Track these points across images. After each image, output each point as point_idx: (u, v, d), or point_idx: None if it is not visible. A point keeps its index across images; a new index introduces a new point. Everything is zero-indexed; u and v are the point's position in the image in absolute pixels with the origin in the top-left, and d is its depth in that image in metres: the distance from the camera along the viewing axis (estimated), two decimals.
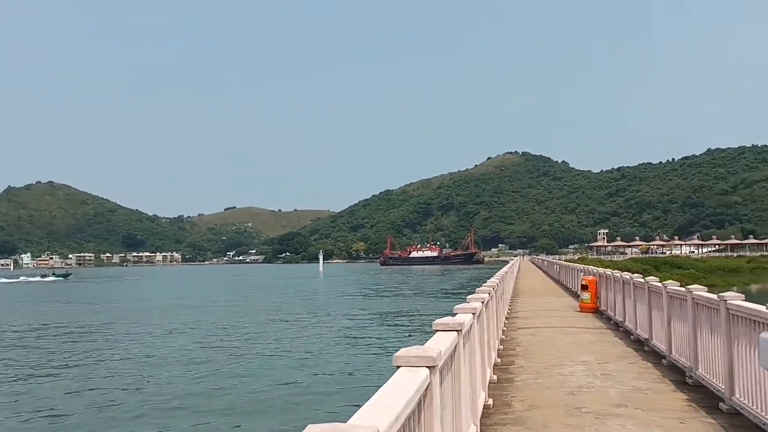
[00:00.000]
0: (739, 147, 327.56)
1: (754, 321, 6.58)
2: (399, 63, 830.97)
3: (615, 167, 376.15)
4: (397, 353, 3.31)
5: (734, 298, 7.28)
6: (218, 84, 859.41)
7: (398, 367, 3.23)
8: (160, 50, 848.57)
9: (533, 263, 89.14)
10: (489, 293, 10.19)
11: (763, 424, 6.37)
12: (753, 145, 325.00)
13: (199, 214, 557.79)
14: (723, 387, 7.57)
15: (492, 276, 16.18)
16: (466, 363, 6.06)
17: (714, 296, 7.90)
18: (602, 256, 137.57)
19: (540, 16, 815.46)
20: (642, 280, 12.94)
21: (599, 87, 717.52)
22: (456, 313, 6.56)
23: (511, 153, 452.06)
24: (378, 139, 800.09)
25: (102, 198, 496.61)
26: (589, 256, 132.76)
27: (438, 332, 4.97)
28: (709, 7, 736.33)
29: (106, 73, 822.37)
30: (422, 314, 41.36)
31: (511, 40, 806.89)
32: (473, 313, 6.77)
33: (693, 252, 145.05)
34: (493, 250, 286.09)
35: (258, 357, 26.27)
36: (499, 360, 11.32)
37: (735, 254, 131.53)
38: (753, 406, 6.70)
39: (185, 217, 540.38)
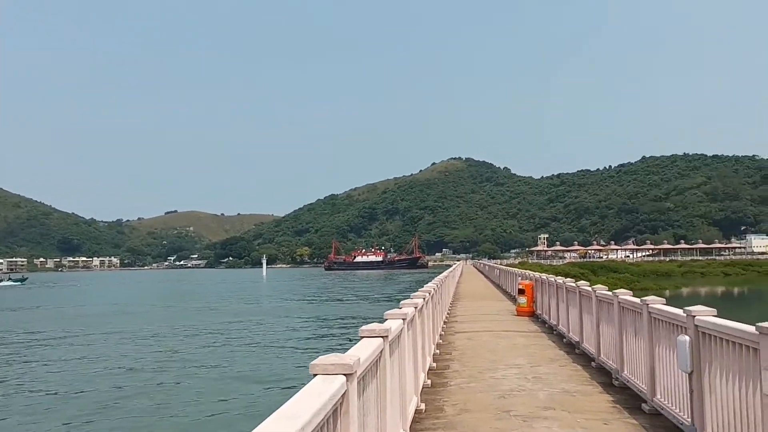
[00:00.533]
0: (672, 155, 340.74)
1: (673, 324, 6.80)
2: (345, 67, 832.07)
3: (555, 174, 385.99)
4: (314, 361, 3.27)
5: (655, 302, 7.52)
6: (158, 83, 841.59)
7: (315, 375, 3.19)
8: (99, 47, 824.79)
9: (476, 267, 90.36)
10: (424, 298, 10.25)
11: (681, 424, 6.59)
12: (684, 153, 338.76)
13: (139, 218, 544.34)
14: (645, 388, 7.81)
15: (434, 280, 16.34)
16: (394, 369, 6.06)
17: (638, 300, 8.14)
18: (542, 261, 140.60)
19: (486, 24, 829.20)
20: (573, 285, 13.24)
21: (538, 96, 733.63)
22: (386, 319, 6.57)
23: (455, 159, 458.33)
24: (324, 143, 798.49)
25: (36, 201, 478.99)
26: (530, 261, 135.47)
27: (364, 339, 4.95)
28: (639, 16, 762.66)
29: (36, 70, 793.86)
30: (362, 319, 41.34)
31: (456, 48, 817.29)
32: (403, 319, 6.79)
33: (628, 256, 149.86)
34: (437, 254, 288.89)
35: (182, 365, 25.70)
36: (434, 364, 11.39)
37: (667, 258, 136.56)
38: (672, 406, 6.93)
39: (124, 221, 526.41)
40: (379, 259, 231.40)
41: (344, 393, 3.23)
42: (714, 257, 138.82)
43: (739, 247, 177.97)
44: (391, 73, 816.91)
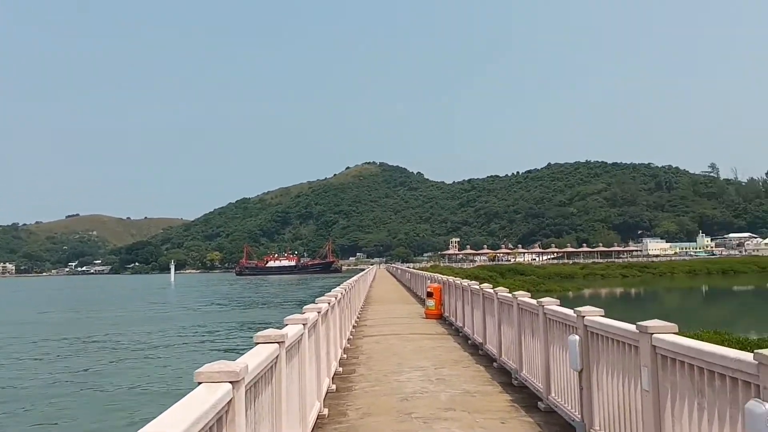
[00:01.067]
0: (575, 162, 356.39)
1: (566, 324, 7.07)
2: (256, 66, 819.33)
3: (466, 179, 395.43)
4: (200, 369, 3.17)
5: (550, 304, 7.80)
6: (57, 79, 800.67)
7: (200, 383, 3.10)
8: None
9: (388, 271, 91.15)
10: (329, 302, 10.21)
11: (572, 420, 6.85)
12: (587, 160, 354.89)
13: (37, 222, 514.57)
14: (541, 387, 8.08)
15: (343, 284, 16.33)
16: (293, 375, 5.99)
17: (534, 302, 8.41)
18: (454, 264, 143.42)
19: (400, 29, 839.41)
20: (478, 287, 13.55)
21: (450, 103, 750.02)
22: (286, 324, 6.48)
23: (369, 163, 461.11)
24: (235, 145, 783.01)
25: None
26: (442, 264, 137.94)
27: (259, 345, 4.86)
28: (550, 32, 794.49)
29: None
30: (269, 325, 40.68)
31: (371, 51, 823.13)
32: (304, 324, 6.72)
33: (534, 259, 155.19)
34: (351, 258, 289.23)
35: (65, 378, 24.53)
36: (341, 369, 11.36)
37: (571, 261, 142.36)
38: (564, 403, 7.20)
39: (20, 224, 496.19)
40: (292, 263, 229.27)
41: (230, 401, 3.14)
42: (613, 260, 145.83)
43: (636, 250, 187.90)
44: (306, 75, 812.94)
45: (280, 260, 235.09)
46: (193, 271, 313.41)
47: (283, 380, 5.10)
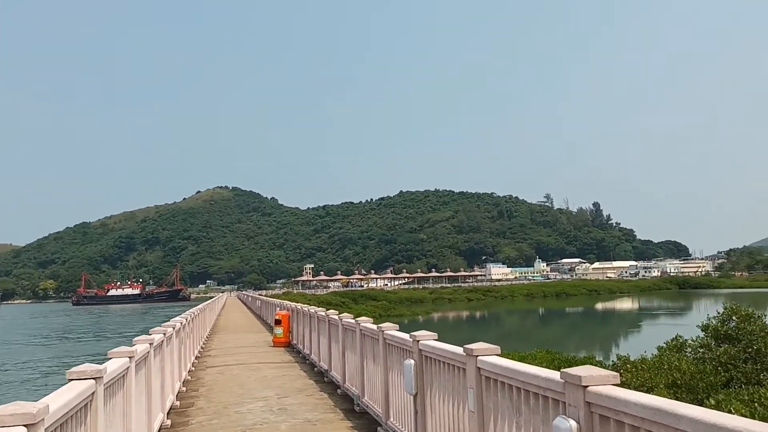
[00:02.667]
0: (425, 191, 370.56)
1: (403, 349, 7.19)
2: (103, 77, 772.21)
3: (321, 205, 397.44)
4: None
5: (390, 329, 7.91)
6: None
7: None
8: None
9: (240, 299, 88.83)
10: (165, 333, 9.69)
11: None
12: (436, 189, 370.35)
13: None
14: (381, 412, 8.13)
15: (185, 313, 15.63)
16: (114, 413, 5.56)
17: (375, 327, 8.50)
18: (307, 291, 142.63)
19: (256, 51, 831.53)
20: (323, 314, 13.50)
21: (309, 128, 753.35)
22: (109, 358, 6.03)
23: (221, 187, 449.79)
24: (75, 166, 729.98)
25: None
26: (295, 291, 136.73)
27: (72, 381, 4.46)
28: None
29: None
30: (102, 358, 37.99)
31: (224, 73, 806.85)
32: (131, 357, 6.30)
33: (387, 284, 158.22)
34: (200, 286, 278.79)
35: None
36: (178, 403, 10.78)
37: (421, 286, 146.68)
38: (402, 427, 7.29)
39: None
40: (136, 292, 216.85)
41: None
42: (460, 284, 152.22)
43: (481, 275, 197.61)
44: (154, 94, 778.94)
45: (123, 288, 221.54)
46: (24, 301, 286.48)
47: (101, 420, 4.70)
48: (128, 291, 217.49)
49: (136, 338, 7.81)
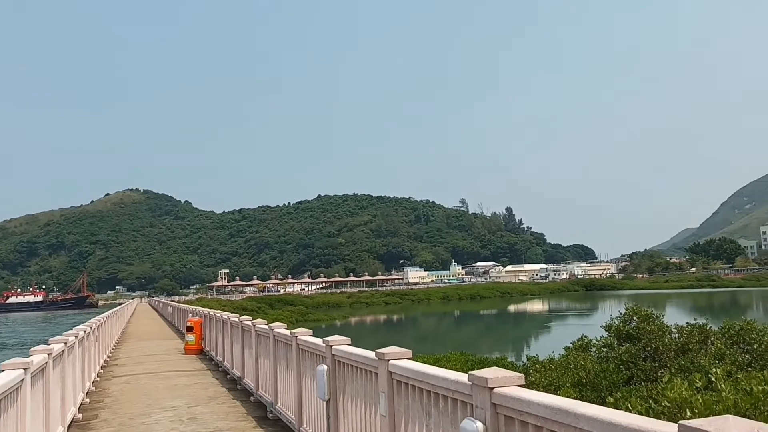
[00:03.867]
0: (344, 195, 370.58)
1: (317, 354, 7.12)
2: (1, 77, 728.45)
3: (237, 209, 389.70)
4: None
5: (303, 334, 7.82)
6: None
7: None
8: None
9: (151, 305, 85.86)
10: (66, 342, 9.22)
11: None
12: (354, 193, 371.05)
13: None
14: (294, 419, 8.02)
15: (90, 320, 14.92)
16: (7, 430, 5.23)
17: (289, 333, 8.38)
18: (222, 296, 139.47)
19: (168, 56, 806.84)
20: (237, 320, 13.23)
21: (224, 130, 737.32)
22: (2, 371, 5.66)
23: (132, 190, 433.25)
24: None
25: None
26: (209, 296, 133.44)
27: None
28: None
29: None
30: None
31: (134, 73, 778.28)
32: (25, 369, 5.94)
33: (304, 289, 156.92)
34: (109, 292, 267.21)
35: None
36: (80, 416, 10.26)
37: (338, 290, 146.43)
38: None
39: None
40: (39, 299, 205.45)
41: None
42: (377, 288, 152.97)
43: (398, 279, 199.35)
44: (58, 90, 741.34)
45: (24, 296, 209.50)
46: None
47: None
48: (30, 298, 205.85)
49: (33, 348, 7.39)
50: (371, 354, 5.33)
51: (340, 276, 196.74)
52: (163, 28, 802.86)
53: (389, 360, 4.87)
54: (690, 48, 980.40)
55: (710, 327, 12.49)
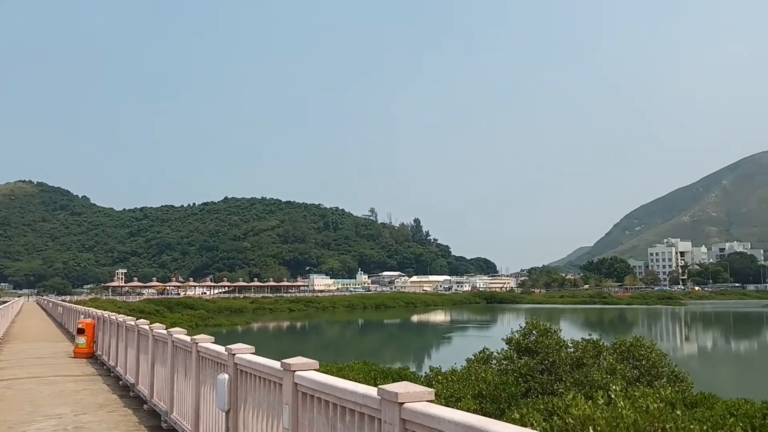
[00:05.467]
0: (251, 198, 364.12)
1: (218, 362, 6.84)
2: None
3: (138, 207, 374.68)
4: None
5: (204, 341, 7.51)
6: None
7: None
8: None
9: (39, 305, 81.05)
10: None
11: None
12: (263, 197, 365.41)
13: None
14: (190, 429, 7.69)
15: None
16: None
17: (188, 339, 8.04)
18: (118, 297, 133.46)
19: (74, 42, 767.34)
20: (133, 323, 12.61)
21: (130, 126, 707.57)
22: None
23: (24, 182, 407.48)
24: None
25: None
26: (104, 297, 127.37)
27: None
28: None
29: None
30: None
31: (31, 56, 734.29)
32: None
33: (205, 293, 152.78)
34: None
35: None
36: None
37: (242, 295, 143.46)
38: None
39: None
40: None
41: None
42: (282, 294, 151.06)
43: (304, 286, 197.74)
44: None
45: None
46: None
47: None
48: None
49: None
50: (276, 364, 5.16)
51: (244, 281, 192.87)
52: (69, 8, 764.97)
53: (295, 371, 4.72)
54: (587, 72, 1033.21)
55: (603, 342, 13.06)
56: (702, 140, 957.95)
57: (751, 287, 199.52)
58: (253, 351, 6.24)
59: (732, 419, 6.82)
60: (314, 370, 4.77)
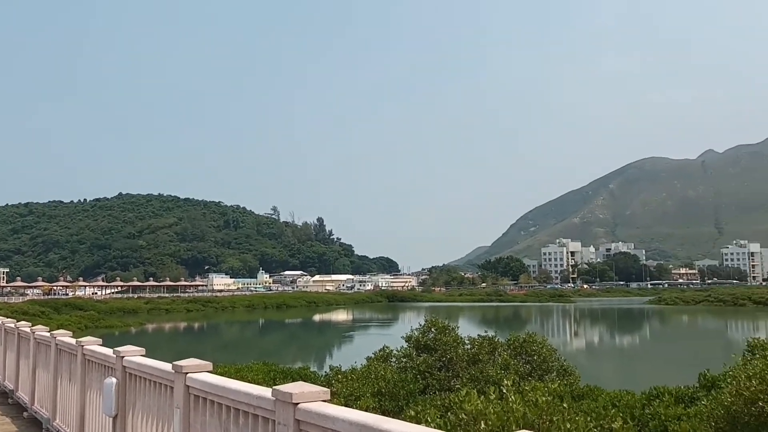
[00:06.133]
0: (148, 194, 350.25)
1: (105, 366, 6.52)
2: None
3: (23, 202, 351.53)
4: None
5: (90, 344, 7.13)
6: None
7: None
8: None
9: None
10: None
11: None
12: (159, 194, 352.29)
13: None
14: None
15: None
16: None
17: (74, 342, 7.61)
18: None
19: None
20: (12, 325, 11.81)
21: (10, 115, 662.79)
22: None
23: None
24: None
25: None
26: None
27: None
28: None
29: None
30: None
31: None
32: None
33: (96, 293, 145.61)
34: None
35: None
36: None
37: (136, 295, 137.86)
38: None
39: None
40: None
41: None
42: (179, 294, 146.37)
43: (202, 285, 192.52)
44: None
45: None
46: None
47: None
48: None
49: None
50: (167, 366, 4.97)
51: (138, 280, 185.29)
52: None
53: (187, 373, 4.56)
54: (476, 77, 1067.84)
55: (498, 339, 13.48)
56: (593, 146, 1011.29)
57: (633, 285, 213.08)
58: (144, 353, 5.98)
59: (614, 410, 7.22)
60: (208, 371, 4.63)
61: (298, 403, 3.18)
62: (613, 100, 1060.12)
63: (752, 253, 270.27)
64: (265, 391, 3.58)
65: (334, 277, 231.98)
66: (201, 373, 4.54)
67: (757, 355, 7.22)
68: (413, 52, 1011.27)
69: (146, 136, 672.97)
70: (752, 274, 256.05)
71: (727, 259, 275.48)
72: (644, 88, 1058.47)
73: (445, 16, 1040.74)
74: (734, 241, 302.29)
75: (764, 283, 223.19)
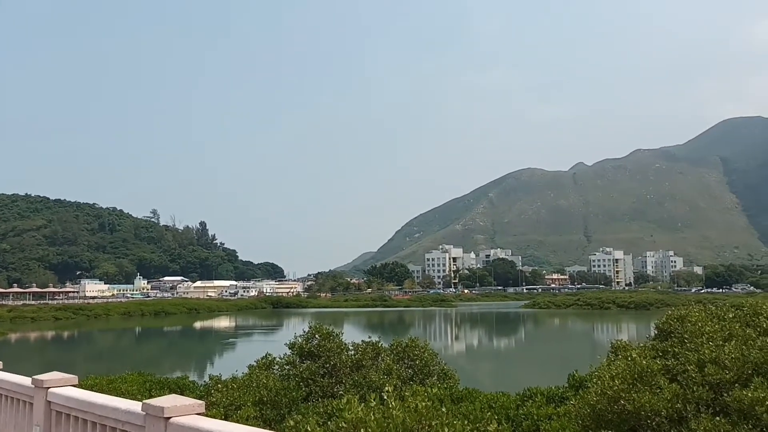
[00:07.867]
0: (13, 194, 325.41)
1: None
2: None
3: None
4: None
5: None
6: None
7: None
8: None
9: None
10: None
11: None
12: (26, 194, 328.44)
13: None
14: None
15: None
16: None
17: None
18: None
19: None
20: None
21: None
22: None
23: None
24: None
25: None
26: None
27: None
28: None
29: None
30: None
31: None
32: None
33: None
34: None
35: None
36: None
37: None
38: None
39: None
40: None
41: None
42: (47, 301, 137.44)
43: (74, 292, 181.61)
44: None
45: None
46: None
47: None
48: None
49: None
50: (27, 381, 4.61)
51: (1, 287, 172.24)
52: None
53: (48, 388, 4.24)
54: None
55: (381, 344, 13.62)
56: (475, 156, 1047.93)
57: (511, 290, 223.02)
58: (1, 367, 5.52)
59: (489, 412, 7.49)
60: (73, 385, 4.34)
61: (170, 417, 3.03)
62: (497, 112, 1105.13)
63: (616, 260, 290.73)
64: (135, 405, 3.40)
65: (217, 283, 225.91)
66: (65, 387, 4.24)
67: (620, 356, 7.73)
68: (301, 56, 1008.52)
69: (13, 133, 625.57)
70: (616, 280, 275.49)
71: (594, 265, 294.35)
72: (523, 103, 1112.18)
73: (329, 21, 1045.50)
74: (601, 249, 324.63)
75: (627, 288, 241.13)
